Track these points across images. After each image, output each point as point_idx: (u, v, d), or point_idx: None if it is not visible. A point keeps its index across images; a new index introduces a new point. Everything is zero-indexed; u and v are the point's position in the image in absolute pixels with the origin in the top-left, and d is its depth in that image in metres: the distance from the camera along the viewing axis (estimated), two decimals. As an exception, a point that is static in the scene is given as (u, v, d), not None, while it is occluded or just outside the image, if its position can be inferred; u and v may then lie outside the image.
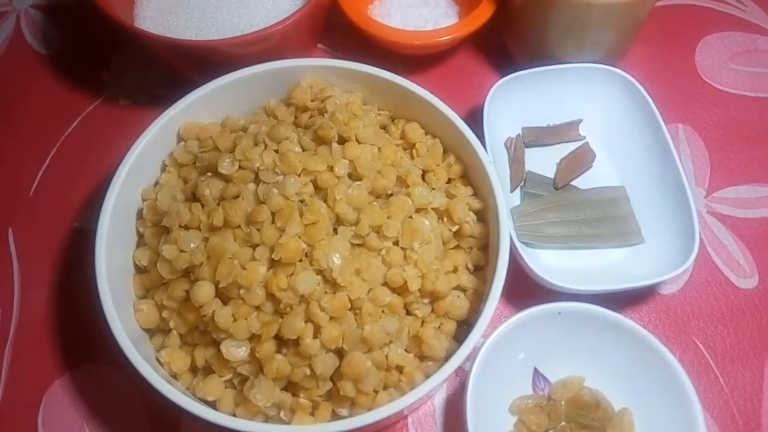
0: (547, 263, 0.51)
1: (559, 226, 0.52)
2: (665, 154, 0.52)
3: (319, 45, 0.63)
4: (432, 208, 0.45)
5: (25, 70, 0.62)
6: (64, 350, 0.50)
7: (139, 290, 0.45)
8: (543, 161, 0.56)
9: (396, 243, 0.43)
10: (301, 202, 0.42)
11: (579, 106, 0.57)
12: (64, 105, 0.60)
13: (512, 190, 0.55)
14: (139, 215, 0.47)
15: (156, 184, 0.48)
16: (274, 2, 0.56)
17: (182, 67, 0.56)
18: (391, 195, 0.45)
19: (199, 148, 0.47)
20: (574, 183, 0.55)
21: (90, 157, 0.57)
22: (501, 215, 0.44)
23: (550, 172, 0.56)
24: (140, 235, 0.47)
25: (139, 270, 0.46)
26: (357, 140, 0.45)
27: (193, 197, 0.45)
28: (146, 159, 0.47)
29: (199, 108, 0.49)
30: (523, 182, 0.55)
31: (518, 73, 0.54)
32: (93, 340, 0.48)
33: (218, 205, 0.43)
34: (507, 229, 0.43)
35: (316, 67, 0.50)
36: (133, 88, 0.61)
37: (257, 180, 0.43)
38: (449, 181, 0.49)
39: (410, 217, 0.44)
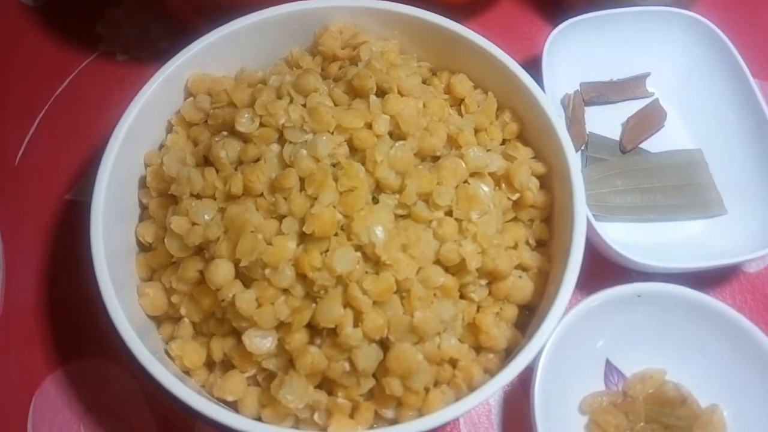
0: (616, 237, 0.46)
1: (629, 194, 0.47)
2: (753, 113, 0.46)
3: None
4: (488, 173, 0.39)
5: (9, 24, 0.56)
6: (55, 343, 0.45)
7: (143, 271, 0.40)
8: (606, 121, 0.51)
9: (449, 213, 0.37)
10: (335, 165, 0.37)
11: (646, 58, 0.51)
12: (53, 62, 0.54)
13: (572, 155, 0.49)
14: (142, 184, 0.41)
15: (161, 147, 0.42)
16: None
17: (188, 14, 0.50)
18: (439, 157, 0.39)
19: (212, 103, 0.41)
20: (642, 146, 0.49)
21: (83, 120, 0.51)
22: (574, 180, 0.38)
23: (614, 134, 0.50)
24: (144, 207, 0.41)
25: (143, 248, 0.41)
26: (399, 92, 0.40)
27: (206, 161, 0.40)
28: (149, 118, 0.41)
29: (209, 59, 0.43)
30: (584, 145, 0.49)
31: (578, 18, 0.48)
32: (89, 331, 0.43)
33: (236, 169, 0.38)
34: (582, 196, 0.38)
35: (345, 9, 0.44)
36: (132, 41, 0.55)
37: (282, 139, 0.38)
38: (503, 142, 0.43)
39: (465, 182, 0.38)
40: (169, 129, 0.43)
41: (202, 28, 0.43)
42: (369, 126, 0.38)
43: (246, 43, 0.44)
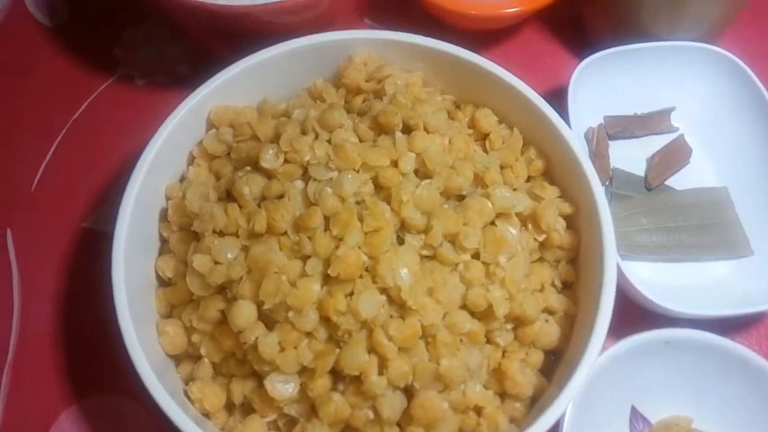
0: (641, 276, 0.45)
1: (655, 233, 0.46)
2: None
3: (365, 19, 0.56)
4: (515, 213, 0.38)
5: (26, 45, 0.56)
6: (72, 377, 0.44)
7: (162, 307, 0.39)
8: (630, 156, 0.50)
9: (475, 255, 0.36)
10: (359, 203, 0.36)
11: (671, 92, 0.50)
12: (70, 85, 0.53)
13: (596, 191, 0.48)
14: (163, 216, 0.41)
15: (182, 179, 0.42)
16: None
17: (209, 39, 0.49)
18: (465, 196, 0.38)
19: (234, 136, 0.41)
20: (668, 183, 0.49)
21: (101, 145, 0.51)
22: (603, 222, 0.37)
23: (638, 169, 0.49)
24: (164, 240, 0.41)
25: (163, 282, 0.40)
26: (425, 129, 0.39)
27: (228, 196, 0.39)
28: (171, 149, 0.41)
29: (231, 89, 0.42)
30: (608, 181, 0.48)
31: (605, 52, 0.47)
32: (106, 365, 0.41)
33: (259, 205, 0.37)
34: (612, 238, 0.37)
35: (369, 41, 0.43)
36: (151, 64, 0.54)
37: (306, 176, 0.37)
38: (528, 179, 0.42)
39: (492, 223, 0.37)
40: (191, 160, 0.42)
41: (224, 55, 0.43)
42: (395, 164, 0.37)
43: (269, 73, 0.43)
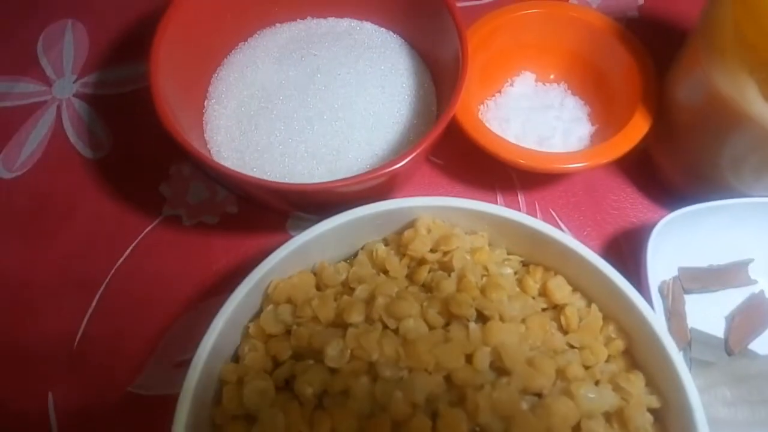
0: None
1: (739, 407, 0.43)
2: None
3: (430, 156, 0.54)
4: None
5: (66, 179, 0.53)
6: None
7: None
8: (707, 313, 0.47)
9: (559, 463, 0.34)
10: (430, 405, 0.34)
11: (747, 244, 0.47)
12: (114, 226, 0.51)
13: (673, 355, 0.45)
14: (216, 400, 0.38)
15: (236, 357, 0.39)
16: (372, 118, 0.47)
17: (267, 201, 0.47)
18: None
19: (294, 316, 0.38)
20: (750, 346, 0.45)
21: (147, 296, 0.48)
22: (698, 423, 0.34)
23: (716, 329, 0.46)
24: (216, 427, 0.38)
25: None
26: (500, 318, 0.37)
27: (285, 384, 0.37)
28: (228, 330, 0.38)
29: (292, 258, 0.40)
30: (687, 344, 0.45)
31: (685, 210, 0.44)
32: None
33: (321, 401, 0.34)
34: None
35: (433, 208, 0.41)
36: (199, 204, 0.52)
37: (371, 370, 0.35)
38: (608, 358, 0.39)
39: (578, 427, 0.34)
40: (245, 335, 0.40)
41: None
42: (469, 358, 0.35)
43: (329, 240, 0.41)
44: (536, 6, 0.52)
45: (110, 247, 0.50)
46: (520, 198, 0.52)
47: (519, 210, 0.52)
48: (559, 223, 0.51)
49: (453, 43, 0.45)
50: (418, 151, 0.41)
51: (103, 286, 0.48)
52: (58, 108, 0.57)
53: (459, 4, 0.60)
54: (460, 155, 0.52)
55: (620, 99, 0.49)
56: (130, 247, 0.50)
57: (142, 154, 0.54)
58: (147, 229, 0.51)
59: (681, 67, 0.44)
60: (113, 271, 0.49)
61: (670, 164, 0.50)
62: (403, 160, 0.40)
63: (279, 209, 0.47)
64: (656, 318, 0.37)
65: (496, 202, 0.52)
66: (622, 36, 0.50)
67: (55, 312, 0.48)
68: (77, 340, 0.47)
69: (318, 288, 0.41)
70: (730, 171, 0.45)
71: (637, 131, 0.46)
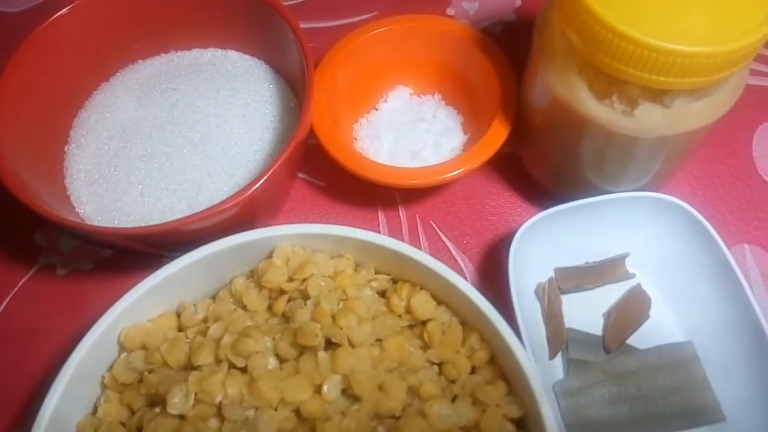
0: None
1: (614, 406, 0.43)
2: (733, 292, 0.42)
3: (300, 173, 0.53)
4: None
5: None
6: None
7: None
8: (585, 311, 0.47)
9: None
10: (281, 440, 0.33)
11: (623, 240, 0.47)
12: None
13: (551, 357, 0.45)
14: (72, 456, 0.37)
15: (95, 410, 0.38)
16: (234, 148, 0.47)
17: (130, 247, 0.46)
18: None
19: (146, 362, 0.38)
20: (629, 341, 0.45)
21: (20, 351, 0.47)
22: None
23: (595, 326, 0.46)
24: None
25: None
26: (350, 343, 0.36)
27: (140, 433, 0.36)
28: (80, 380, 0.37)
29: (147, 300, 0.39)
30: (564, 345, 0.45)
31: (546, 212, 0.44)
32: None
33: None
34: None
35: (292, 236, 0.41)
36: (73, 250, 0.51)
37: (220, 414, 0.34)
38: (473, 370, 0.39)
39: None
40: (103, 389, 0.39)
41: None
42: (318, 389, 0.34)
43: (187, 277, 0.40)
44: (404, 21, 0.52)
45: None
46: (401, 213, 0.52)
47: (401, 225, 0.51)
48: (440, 234, 0.51)
49: (301, 62, 0.44)
50: (265, 177, 0.40)
51: (-26, 345, 0.47)
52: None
53: (323, 24, 0.60)
54: (341, 175, 0.52)
55: (485, 106, 0.49)
56: (4, 303, 0.48)
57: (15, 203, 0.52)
58: (21, 282, 0.49)
59: (529, 72, 0.45)
60: (-15, 328, 0.48)
61: (538, 167, 0.50)
62: (250, 189, 0.40)
63: (147, 252, 0.46)
64: (506, 327, 0.37)
65: (377, 220, 0.52)
66: (483, 44, 0.50)
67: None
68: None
69: (180, 329, 0.40)
70: (589, 170, 0.45)
71: (497, 137, 0.46)
